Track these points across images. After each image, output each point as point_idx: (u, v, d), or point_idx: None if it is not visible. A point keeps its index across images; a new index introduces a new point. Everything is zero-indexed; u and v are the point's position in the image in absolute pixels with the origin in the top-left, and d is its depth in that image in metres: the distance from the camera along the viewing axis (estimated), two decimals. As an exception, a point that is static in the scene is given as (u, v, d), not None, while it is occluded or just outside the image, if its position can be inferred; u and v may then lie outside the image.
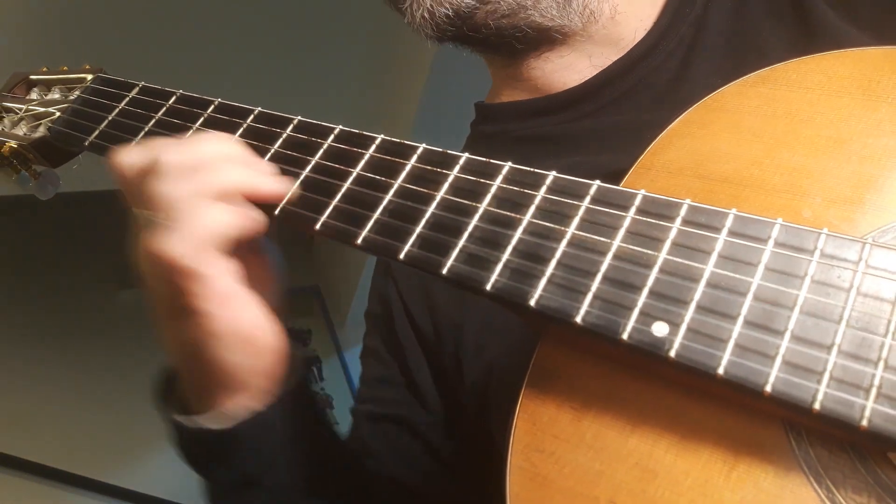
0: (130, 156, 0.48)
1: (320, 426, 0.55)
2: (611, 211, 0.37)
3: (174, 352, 0.48)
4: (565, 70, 0.58)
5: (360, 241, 0.42)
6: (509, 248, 0.38)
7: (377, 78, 2.07)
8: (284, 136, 0.49)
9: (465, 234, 0.39)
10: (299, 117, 0.49)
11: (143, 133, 0.54)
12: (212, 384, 0.47)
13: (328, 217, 0.44)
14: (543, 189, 0.39)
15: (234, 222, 0.44)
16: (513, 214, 0.39)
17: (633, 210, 0.37)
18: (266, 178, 0.46)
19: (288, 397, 0.48)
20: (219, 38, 1.90)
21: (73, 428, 2.34)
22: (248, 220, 0.45)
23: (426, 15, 0.55)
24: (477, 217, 0.40)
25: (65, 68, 0.63)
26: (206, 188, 0.44)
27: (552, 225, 0.38)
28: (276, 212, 0.45)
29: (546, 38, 0.57)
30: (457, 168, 0.42)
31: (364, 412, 0.67)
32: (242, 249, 0.47)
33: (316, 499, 0.54)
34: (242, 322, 0.45)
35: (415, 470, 0.63)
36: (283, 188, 0.46)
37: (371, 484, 0.62)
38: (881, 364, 0.29)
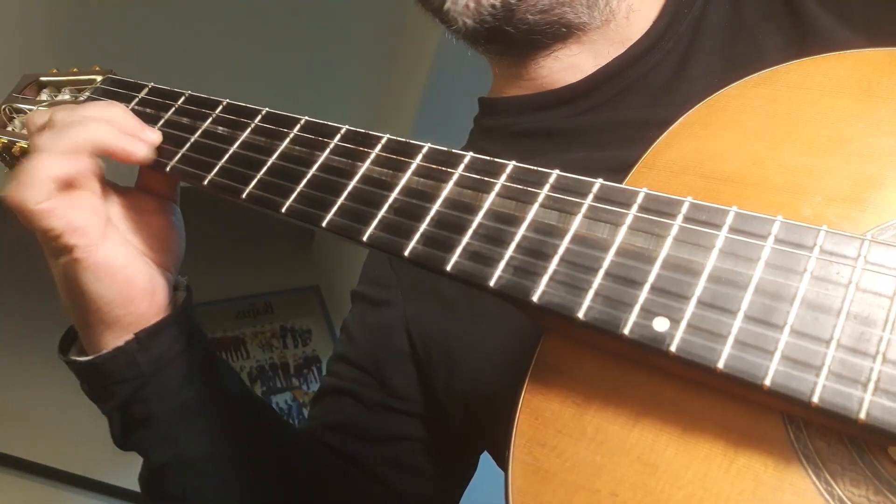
0: (36, 116, 0.54)
1: (217, 379, 0.57)
2: (613, 208, 0.37)
3: (59, 291, 0.52)
4: (571, 69, 0.58)
5: (365, 238, 0.42)
6: (512, 245, 0.38)
7: (379, 76, 2.08)
8: (292, 135, 0.49)
9: (469, 232, 0.40)
10: (306, 117, 0.50)
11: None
12: (86, 319, 0.52)
13: (334, 214, 0.44)
14: (547, 187, 0.40)
15: (63, 167, 0.48)
16: (516, 212, 0.40)
17: (635, 207, 0.37)
18: (125, 138, 0.51)
19: (164, 341, 0.53)
20: (224, 37, 1.91)
21: (73, 428, 2.33)
22: (79, 164, 0.49)
23: (471, 4, 0.54)
24: (481, 215, 0.40)
25: (74, 70, 0.63)
26: (58, 141, 0.49)
27: (555, 222, 0.38)
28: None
29: (565, 35, 0.57)
30: (461, 166, 0.42)
31: (325, 385, 0.69)
32: (143, 207, 0.55)
33: (232, 452, 0.56)
34: (99, 253, 0.49)
35: (362, 443, 0.65)
36: (144, 151, 0.51)
37: (322, 458, 0.64)
38: (879, 358, 0.30)
